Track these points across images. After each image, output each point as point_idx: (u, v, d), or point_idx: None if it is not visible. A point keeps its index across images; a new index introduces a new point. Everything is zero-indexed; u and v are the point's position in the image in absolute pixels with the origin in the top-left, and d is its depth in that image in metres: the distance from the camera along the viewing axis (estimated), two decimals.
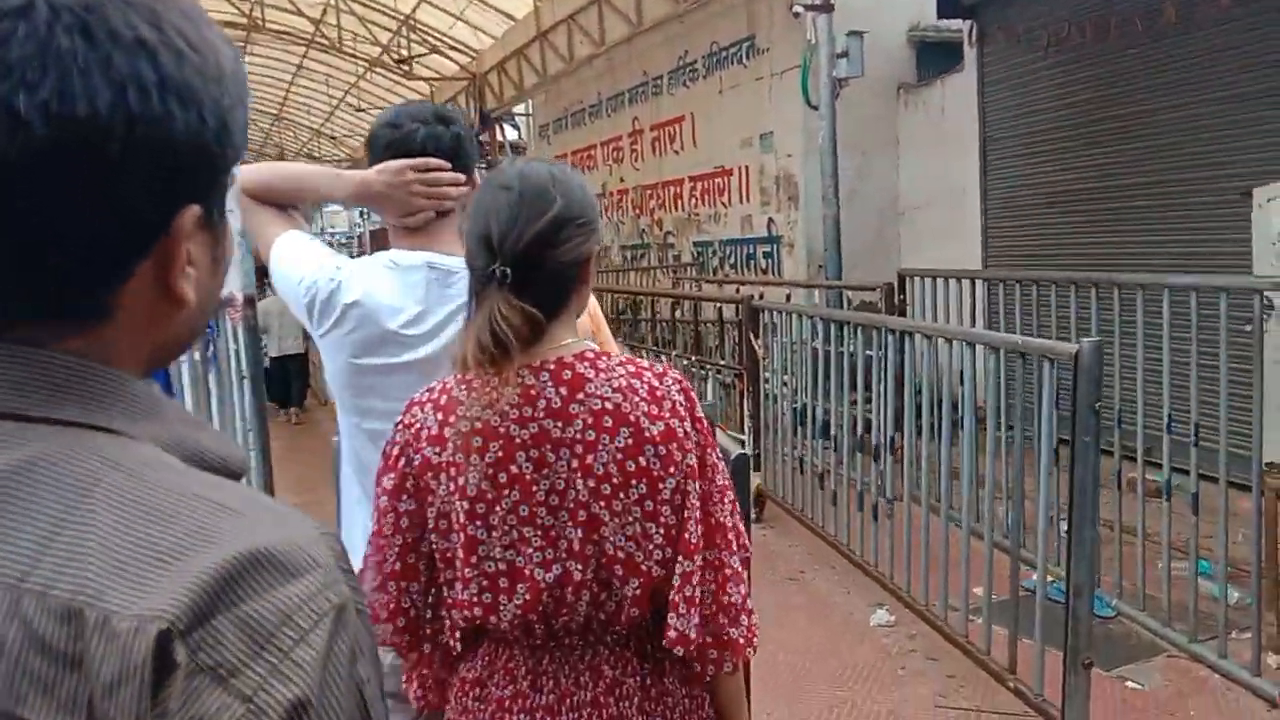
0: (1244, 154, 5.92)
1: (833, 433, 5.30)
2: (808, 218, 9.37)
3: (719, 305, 7.16)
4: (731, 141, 10.58)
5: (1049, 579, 3.75)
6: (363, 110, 22.23)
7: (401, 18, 15.61)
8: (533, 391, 1.39)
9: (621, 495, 1.38)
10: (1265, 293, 3.60)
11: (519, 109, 17.69)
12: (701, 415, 1.48)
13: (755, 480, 6.04)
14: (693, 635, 1.40)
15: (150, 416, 0.64)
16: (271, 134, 31.50)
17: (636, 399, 1.41)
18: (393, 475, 1.44)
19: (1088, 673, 3.02)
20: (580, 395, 1.39)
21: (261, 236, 1.95)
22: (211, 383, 3.65)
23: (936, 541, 4.13)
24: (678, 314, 8.73)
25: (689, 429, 1.43)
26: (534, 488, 1.37)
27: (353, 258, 1.99)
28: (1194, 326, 3.90)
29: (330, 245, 2.20)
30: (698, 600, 1.41)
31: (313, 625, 0.56)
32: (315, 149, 33.12)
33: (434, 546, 1.43)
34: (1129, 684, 3.74)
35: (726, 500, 1.48)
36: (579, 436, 1.38)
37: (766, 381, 6.09)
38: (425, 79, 17.78)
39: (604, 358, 1.45)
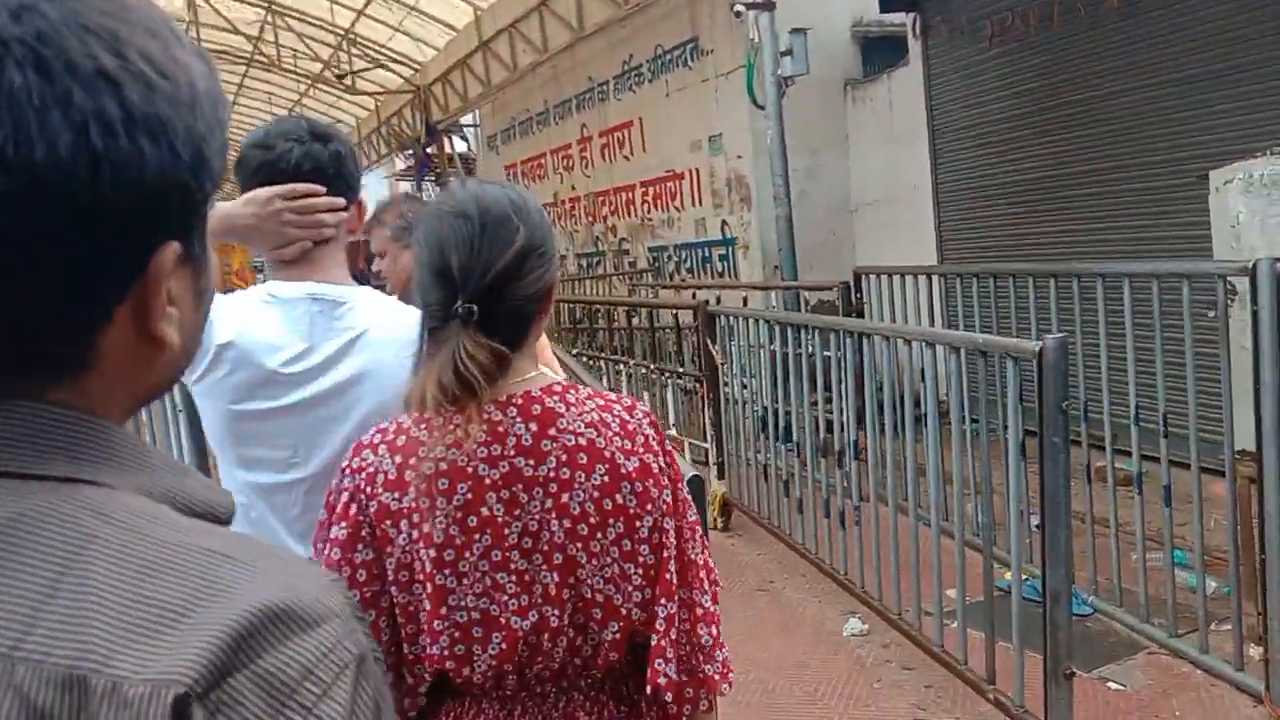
0: (1199, 136, 5.87)
1: (795, 437, 5.18)
2: (761, 219, 9.27)
3: (675, 311, 7.05)
4: (681, 145, 10.47)
5: (1024, 577, 3.65)
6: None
7: (341, 32, 15.37)
8: (500, 428, 1.32)
9: (599, 535, 1.32)
10: (1228, 277, 3.52)
11: (466, 120, 17.48)
12: (670, 448, 1.44)
13: (720, 488, 5.93)
14: (674, 678, 1.36)
15: (137, 467, 0.61)
16: None
17: (610, 433, 1.35)
18: (344, 525, 1.32)
19: (1069, 683, 2.90)
20: (552, 431, 1.33)
21: None
22: (143, 416, 3.45)
23: (906, 544, 4.01)
24: (635, 321, 8.61)
25: (663, 464, 1.39)
26: (506, 530, 1.30)
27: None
28: (1156, 314, 3.82)
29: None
30: (678, 642, 1.38)
31: (335, 678, 0.54)
32: None
33: (394, 600, 1.32)
34: (1111, 685, 3.63)
35: (698, 536, 1.44)
36: (553, 475, 1.31)
37: (727, 385, 5.96)
38: (369, 93, 17.54)
39: (573, 390, 1.39)
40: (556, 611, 1.31)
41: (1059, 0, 6.74)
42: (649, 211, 11.52)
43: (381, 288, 3.33)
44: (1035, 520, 3.77)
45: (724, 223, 10.00)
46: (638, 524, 1.34)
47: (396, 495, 1.30)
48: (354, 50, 15.83)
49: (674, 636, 1.36)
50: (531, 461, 1.31)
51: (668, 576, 1.36)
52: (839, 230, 9.45)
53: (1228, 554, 3.63)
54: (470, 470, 1.29)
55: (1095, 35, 6.57)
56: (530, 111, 14.28)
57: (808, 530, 5.01)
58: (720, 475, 5.96)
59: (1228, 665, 3.53)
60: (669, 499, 1.38)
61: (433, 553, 1.28)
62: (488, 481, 1.29)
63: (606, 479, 1.33)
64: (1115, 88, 6.49)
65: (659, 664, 1.34)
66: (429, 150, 16.85)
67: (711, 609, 1.44)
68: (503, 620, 1.30)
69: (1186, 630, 3.79)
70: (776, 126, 7.94)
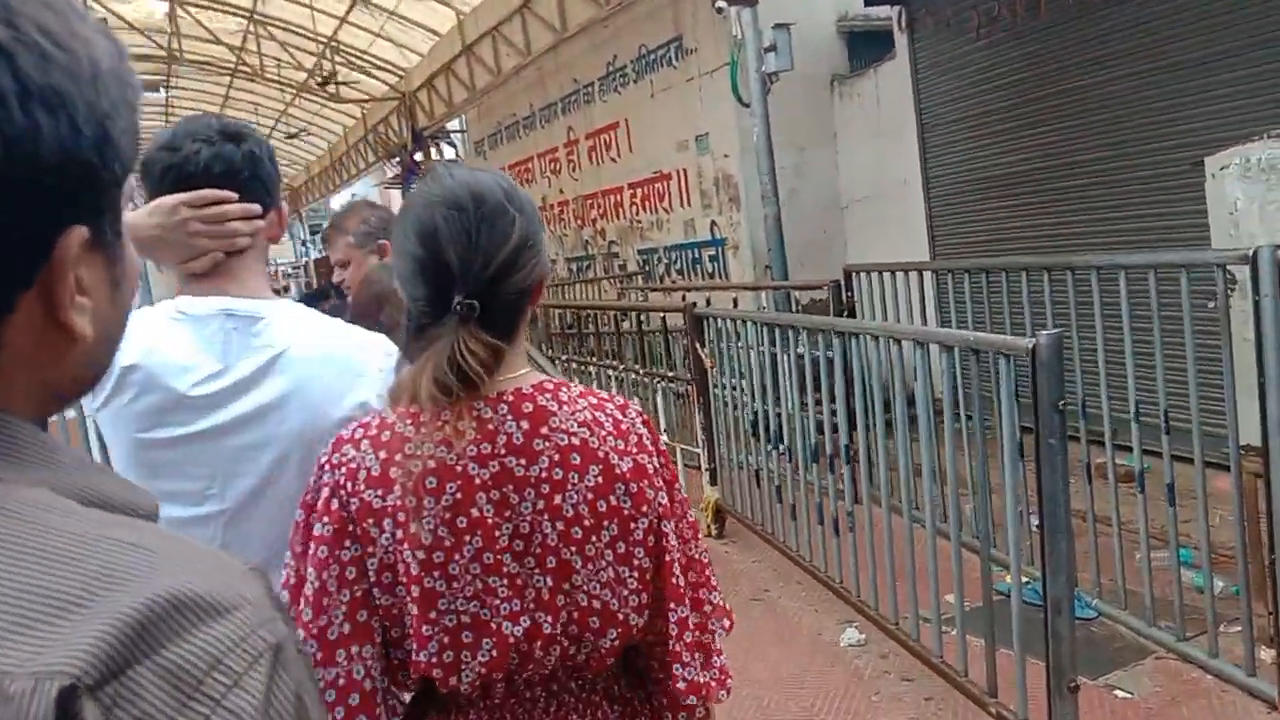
0: (1192, 123, 5.75)
1: (786, 442, 5.05)
2: (750, 218, 9.13)
3: (664, 315, 6.93)
4: (667, 145, 10.33)
5: (1024, 580, 3.52)
6: (294, 137, 21.84)
7: (324, 40, 15.24)
8: (491, 426, 1.26)
9: (594, 539, 1.27)
10: (1228, 266, 3.39)
11: (453, 125, 17.36)
12: (664, 448, 1.40)
13: (713, 494, 5.80)
14: (701, 680, 1.33)
15: (40, 462, 0.57)
16: None
17: (603, 433, 1.30)
18: (328, 521, 1.25)
19: (1075, 696, 2.77)
20: (544, 430, 1.28)
21: None
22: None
23: (901, 548, 3.88)
24: (625, 325, 8.50)
25: (657, 464, 1.35)
26: (496, 532, 1.24)
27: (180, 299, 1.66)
28: (1155, 306, 3.68)
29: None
30: (697, 644, 1.35)
31: (247, 668, 0.50)
32: None
33: (377, 602, 1.26)
34: (1118, 693, 3.50)
35: (698, 535, 1.41)
36: (545, 475, 1.26)
37: (719, 388, 5.83)
38: (355, 101, 17.42)
39: (565, 388, 1.34)
40: (550, 618, 1.26)
41: None
42: (638, 214, 11.39)
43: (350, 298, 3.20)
44: (1035, 521, 3.64)
45: (713, 223, 9.87)
46: (632, 526, 1.29)
47: (380, 493, 1.23)
48: (337, 58, 15.70)
49: (689, 640, 1.33)
50: (523, 461, 1.26)
51: (675, 580, 1.32)
52: (829, 228, 9.33)
53: (1235, 551, 3.50)
54: (460, 469, 1.24)
55: (1083, 23, 6.45)
56: (516, 116, 14.15)
57: (802, 537, 4.88)
58: (713, 481, 5.84)
59: (1239, 670, 3.40)
60: (665, 500, 1.33)
61: (420, 554, 1.22)
62: (478, 481, 1.24)
63: (600, 480, 1.28)
64: (1105, 76, 6.36)
65: (677, 669, 1.31)
66: (416, 158, 16.71)
67: (721, 603, 1.41)
68: (494, 625, 1.24)
69: (1195, 633, 3.65)
70: (762, 124, 7.80)
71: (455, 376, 1.22)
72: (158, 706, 0.47)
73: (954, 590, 3.55)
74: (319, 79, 15.64)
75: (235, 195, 1.54)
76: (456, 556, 1.23)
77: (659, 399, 6.51)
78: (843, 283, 6.09)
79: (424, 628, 1.23)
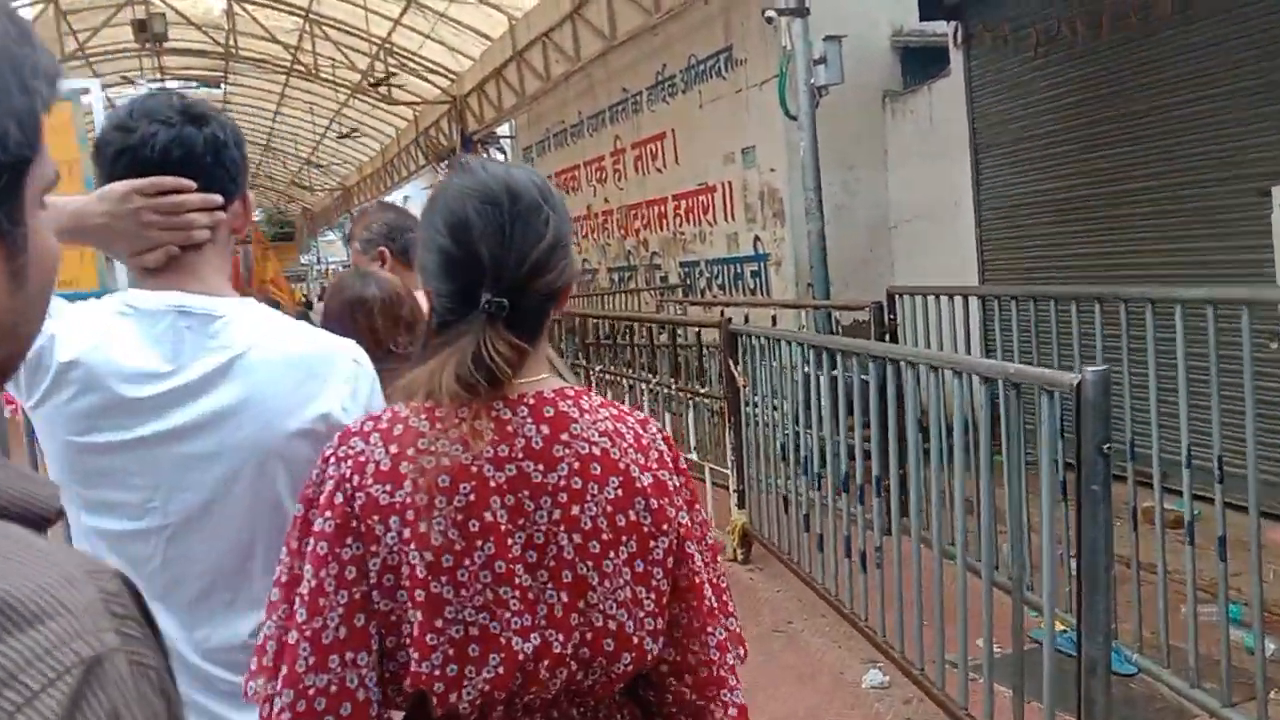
0: (1258, 151, 5.49)
1: (815, 469, 4.85)
2: (794, 234, 8.95)
3: (699, 330, 6.78)
4: (714, 157, 10.19)
5: (1058, 627, 3.30)
6: (346, 136, 22.04)
7: (378, 41, 15.32)
8: (510, 428, 1.21)
9: (612, 554, 1.21)
10: None
11: (502, 131, 17.37)
12: (685, 466, 1.34)
13: (740, 518, 5.61)
14: (740, 700, 1.29)
15: None
16: (262, 164, 31.50)
17: (624, 445, 1.25)
18: (330, 517, 1.18)
19: None
20: (564, 437, 1.22)
21: None
22: None
23: (930, 585, 3.67)
24: (661, 338, 8.37)
25: (678, 483, 1.30)
26: (509, 540, 1.18)
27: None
28: (1212, 344, 3.46)
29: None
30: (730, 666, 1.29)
31: (45, 685, 0.45)
32: (305, 178, 33.08)
33: (375, 607, 1.18)
34: None
35: (720, 561, 1.37)
36: (563, 484, 1.20)
37: (754, 407, 5.65)
38: (406, 103, 17.51)
39: (586, 396, 1.29)
40: (561, 637, 1.19)
41: (1108, 7, 6.38)
42: (681, 225, 11.26)
43: None
44: (1074, 564, 3.43)
45: (756, 238, 9.70)
46: (652, 544, 1.23)
47: (388, 489, 1.17)
48: (390, 60, 15.78)
49: (730, 662, 1.28)
50: (541, 467, 1.20)
51: (708, 603, 1.27)
52: (877, 248, 9.12)
53: None
54: (475, 470, 1.18)
55: (1147, 44, 6.21)
56: (565, 123, 14.11)
57: (828, 569, 4.69)
58: (740, 504, 5.65)
59: None
60: (685, 520, 1.28)
61: (428, 556, 1.15)
62: (493, 484, 1.18)
63: (620, 493, 1.22)
64: (1168, 100, 6.12)
65: (726, 695, 1.27)
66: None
67: (737, 629, 1.36)
68: (503, 640, 1.17)
69: (1242, 699, 3.41)
70: (809, 137, 7.63)
71: (479, 372, 1.18)
72: None
73: (983, 634, 3.35)
74: (371, 80, 15.73)
75: (194, 184, 1.41)
76: (466, 562, 1.16)
77: (691, 415, 6.35)
78: (885, 304, 5.89)
79: (428, 636, 1.15)
